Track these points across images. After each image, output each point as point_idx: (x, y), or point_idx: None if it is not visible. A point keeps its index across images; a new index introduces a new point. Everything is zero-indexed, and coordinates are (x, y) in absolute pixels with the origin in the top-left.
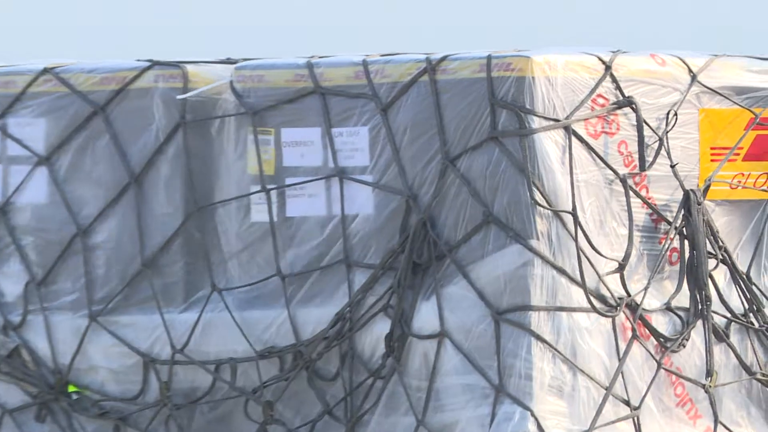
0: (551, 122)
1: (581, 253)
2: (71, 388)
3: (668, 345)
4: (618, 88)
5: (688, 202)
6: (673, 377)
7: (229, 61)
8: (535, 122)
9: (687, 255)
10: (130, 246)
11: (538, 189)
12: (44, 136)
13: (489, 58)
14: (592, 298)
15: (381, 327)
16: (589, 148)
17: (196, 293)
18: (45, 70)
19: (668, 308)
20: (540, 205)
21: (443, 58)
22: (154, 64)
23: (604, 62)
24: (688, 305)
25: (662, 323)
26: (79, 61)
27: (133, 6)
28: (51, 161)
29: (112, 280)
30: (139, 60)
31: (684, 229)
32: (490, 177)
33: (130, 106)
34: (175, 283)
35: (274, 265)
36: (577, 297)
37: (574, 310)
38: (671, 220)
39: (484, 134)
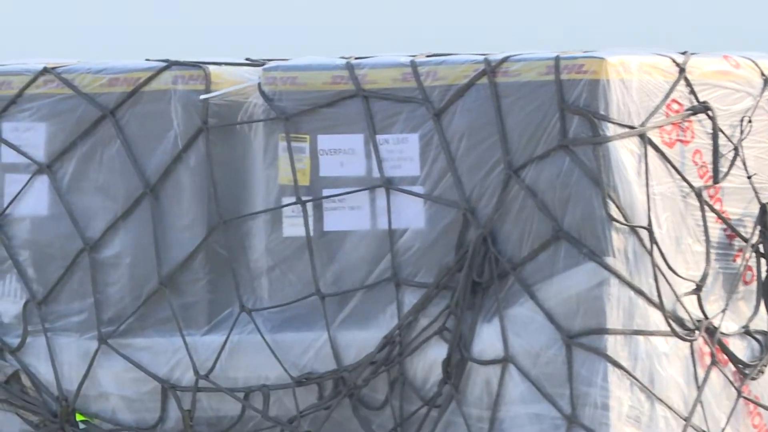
0: (626, 129)
1: (659, 273)
2: (79, 417)
3: (747, 371)
4: (692, 92)
5: (764, 216)
6: (751, 406)
7: (252, 63)
8: (610, 129)
9: (764, 274)
10: (145, 262)
11: (613, 202)
12: (45, 142)
13: (557, 59)
14: (671, 321)
15: (436, 351)
16: (665, 158)
17: (221, 314)
18: (45, 70)
19: (746, 332)
20: (616, 220)
21: (504, 60)
22: (171, 64)
23: (677, 64)
24: (765, 328)
25: (739, 348)
26: (80, 61)
27: (128, 5)
28: (53, 169)
29: (124, 299)
30: (151, 59)
31: (761, 245)
32: (560, 188)
33: (143, 110)
34: (197, 303)
35: (310, 284)
36: (655, 320)
37: (653, 333)
38: (746, 235)
39: (553, 142)
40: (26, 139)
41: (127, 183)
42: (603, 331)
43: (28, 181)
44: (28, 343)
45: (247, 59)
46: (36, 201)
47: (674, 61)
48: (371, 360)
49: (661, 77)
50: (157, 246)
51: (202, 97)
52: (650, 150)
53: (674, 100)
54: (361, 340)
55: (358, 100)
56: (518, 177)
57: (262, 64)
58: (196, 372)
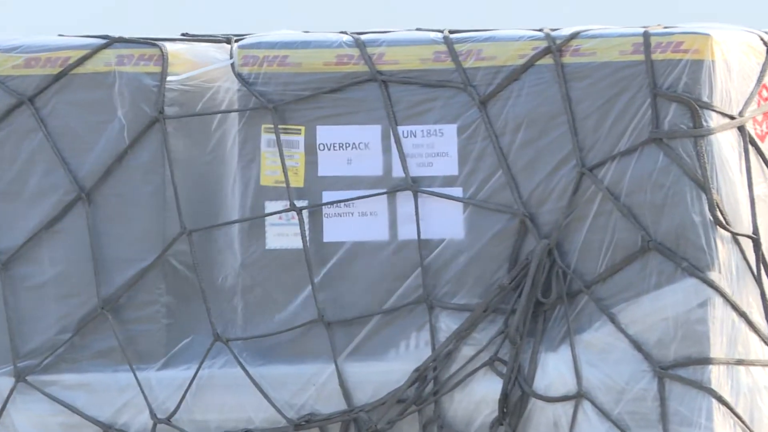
0: (728, 119)
1: (766, 291)
2: None
3: None
4: None
5: None
6: None
7: (215, 39)
8: (713, 119)
9: None
10: (78, 281)
11: (718, 206)
12: None
13: (647, 35)
14: None
15: (483, 387)
16: (760, 153)
17: (178, 343)
18: None
19: None
20: (724, 227)
21: (573, 36)
22: (113, 41)
23: (767, 44)
24: None
25: None
26: None
27: None
28: None
29: (48, 326)
30: (86, 36)
31: None
32: (652, 190)
33: (74, 98)
34: (150, 332)
35: (302, 306)
36: (755, 347)
37: (759, 364)
38: None
39: (642, 134)
40: None
41: (52, 185)
42: (706, 360)
43: None
44: None
45: (213, 36)
46: None
47: (763, 40)
48: (399, 397)
49: (754, 58)
50: (95, 261)
51: (171, 78)
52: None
53: (764, 86)
54: (378, 374)
55: (371, 85)
56: (595, 176)
57: (229, 41)
58: (153, 415)
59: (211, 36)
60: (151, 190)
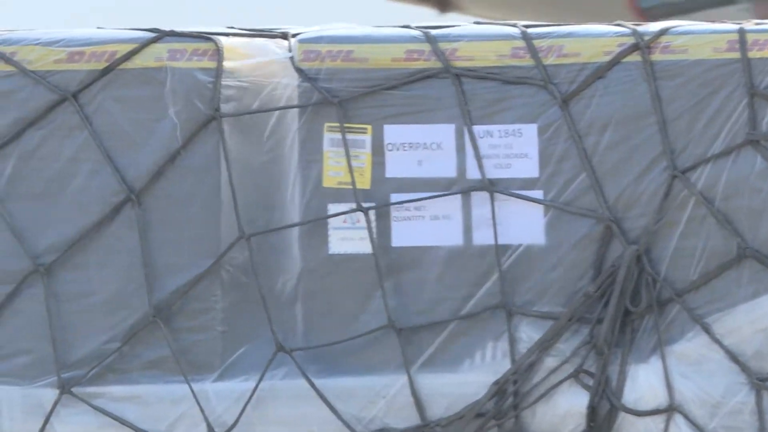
0: None
1: None
2: None
3: None
4: None
5: None
6: None
7: (270, 33)
8: None
9: None
10: (128, 287)
11: None
12: None
13: (742, 31)
14: None
15: (568, 400)
16: None
17: (233, 353)
18: None
19: None
20: None
21: (663, 32)
22: (165, 34)
23: None
24: None
25: None
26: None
27: None
28: None
29: (96, 335)
30: (134, 29)
31: None
32: (749, 195)
33: (122, 95)
34: (205, 341)
35: (370, 314)
36: None
37: None
38: None
39: (738, 136)
40: None
41: (98, 186)
42: None
43: None
44: None
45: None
46: None
47: None
48: (479, 411)
49: None
50: (146, 267)
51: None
52: None
53: None
54: (452, 386)
55: (442, 83)
56: (687, 180)
57: (285, 35)
58: (210, 428)
59: (265, 30)
60: (206, 192)
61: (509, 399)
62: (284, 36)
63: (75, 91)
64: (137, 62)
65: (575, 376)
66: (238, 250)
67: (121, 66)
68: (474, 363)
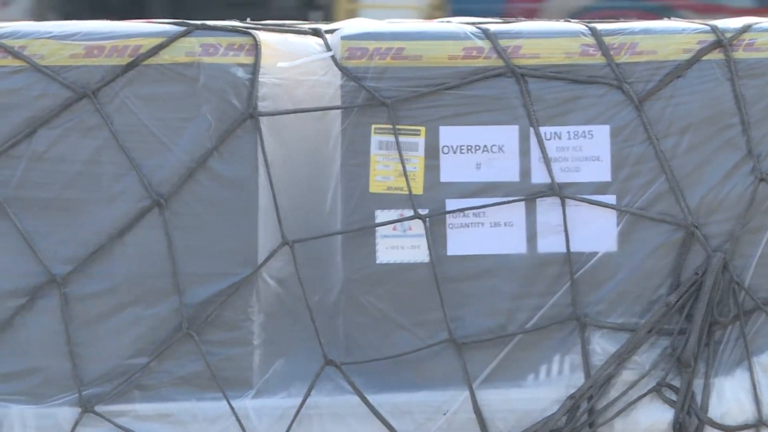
0: None
1: None
2: None
3: None
4: None
5: None
6: None
7: (295, 29)
8: None
9: None
10: (154, 298)
11: None
12: None
13: None
14: None
15: (648, 415)
16: None
17: (269, 367)
18: None
19: None
20: None
21: (745, 28)
22: (194, 28)
23: None
24: None
25: None
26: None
27: None
28: None
29: (120, 349)
30: (158, 22)
31: None
32: None
33: (147, 92)
34: (240, 355)
35: (422, 326)
36: None
37: None
38: None
39: None
40: None
41: (120, 191)
42: None
43: None
44: None
45: (294, 25)
46: None
47: None
48: (552, 427)
49: None
50: (176, 276)
51: (282, 65)
52: None
53: None
54: (519, 402)
55: (504, 81)
56: None
57: (317, 31)
58: None
59: (294, 25)
60: (241, 196)
61: (584, 415)
62: (316, 32)
63: (95, 87)
64: (165, 57)
65: (657, 390)
66: (274, 258)
67: (147, 62)
68: (541, 377)
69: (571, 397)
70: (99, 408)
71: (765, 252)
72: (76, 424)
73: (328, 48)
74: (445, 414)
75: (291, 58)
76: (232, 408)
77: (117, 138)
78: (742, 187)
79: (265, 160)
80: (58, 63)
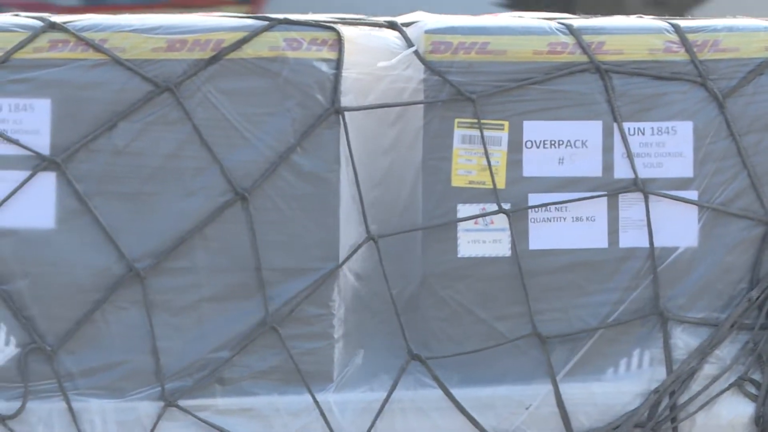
0: None
1: None
2: None
3: None
4: None
5: None
6: None
7: (370, 22)
8: None
9: None
10: (236, 292)
11: None
12: (50, 127)
13: None
14: None
15: (729, 409)
16: None
17: (348, 361)
18: (52, 26)
19: None
20: None
21: None
22: (278, 22)
23: None
24: None
25: None
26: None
27: None
28: (65, 165)
29: (202, 344)
30: (239, 16)
31: None
32: None
33: (230, 86)
34: (320, 349)
35: (506, 320)
36: None
37: None
38: None
39: None
40: (17, 121)
41: (202, 185)
42: None
43: (28, 179)
44: (30, 408)
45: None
46: (35, 209)
47: None
48: (636, 421)
49: None
50: (259, 271)
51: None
52: None
53: None
54: (601, 396)
55: (589, 77)
56: None
57: (393, 24)
58: None
59: (368, 18)
60: (323, 191)
61: (666, 409)
62: (392, 26)
63: (177, 81)
64: (248, 52)
65: (739, 384)
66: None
67: (229, 56)
68: (623, 372)
69: (656, 391)
70: (180, 402)
71: None
72: (159, 418)
73: (409, 42)
74: (528, 408)
75: (371, 52)
76: (316, 402)
77: (199, 132)
78: None
79: (351, 155)
80: (139, 56)
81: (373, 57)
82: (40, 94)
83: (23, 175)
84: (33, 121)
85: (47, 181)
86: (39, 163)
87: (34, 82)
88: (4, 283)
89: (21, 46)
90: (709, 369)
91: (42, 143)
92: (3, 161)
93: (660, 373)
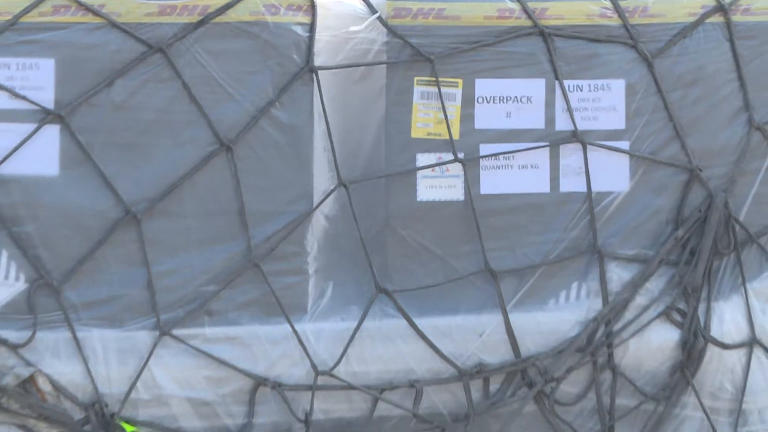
0: None
1: None
2: (128, 428)
3: None
4: None
5: None
6: None
7: None
8: None
9: None
10: (222, 233)
11: None
12: (54, 84)
13: None
14: None
15: (658, 335)
16: None
17: (322, 295)
18: None
19: None
20: None
21: None
22: None
23: None
24: None
25: None
26: None
27: None
28: (68, 118)
29: (192, 279)
30: None
31: None
32: None
33: (215, 47)
34: (297, 283)
35: (460, 257)
36: None
37: None
38: None
39: None
40: (24, 79)
41: (191, 136)
42: None
43: (34, 131)
44: (38, 337)
45: None
46: (41, 158)
47: None
48: (577, 346)
49: None
50: (243, 213)
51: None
52: None
53: None
54: (545, 324)
55: (533, 40)
56: (766, 131)
57: None
58: (314, 367)
59: None
60: (299, 142)
61: (604, 335)
62: None
63: (168, 43)
64: (232, 16)
65: (667, 313)
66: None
67: (215, 20)
68: (563, 302)
69: (594, 319)
70: (173, 332)
71: (758, 192)
72: (154, 346)
73: (372, 9)
74: (481, 335)
75: (340, 17)
76: (294, 330)
77: (188, 89)
78: (738, 136)
79: (324, 110)
80: (134, 20)
81: (342, 22)
82: (45, 54)
83: (30, 127)
84: (39, 79)
85: (52, 133)
86: (44, 116)
87: (40, 43)
88: (14, 225)
89: (27, 10)
90: (640, 300)
91: (47, 98)
92: (11, 115)
93: (597, 304)
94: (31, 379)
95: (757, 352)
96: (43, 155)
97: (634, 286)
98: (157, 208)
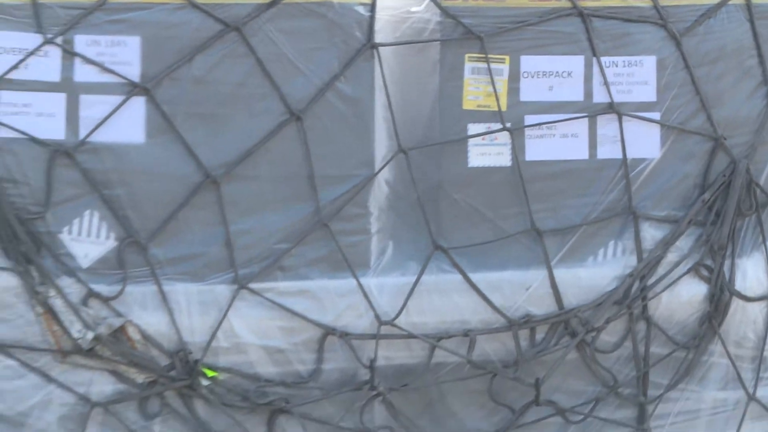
0: None
1: None
2: (210, 373)
3: None
4: None
5: None
6: None
7: None
8: None
9: None
10: (293, 195)
11: None
12: (140, 60)
13: None
14: None
15: (688, 289)
16: None
17: (384, 252)
18: None
19: None
20: None
21: None
22: None
23: None
24: None
25: None
26: None
27: None
28: (153, 91)
29: (267, 237)
30: None
31: None
32: None
33: (287, 26)
34: (360, 242)
35: (508, 218)
36: None
37: None
38: None
39: None
40: (113, 55)
41: (265, 107)
42: None
43: (123, 102)
44: (127, 291)
45: None
46: (128, 127)
47: None
48: (615, 299)
49: None
50: (312, 177)
51: (414, 9)
52: None
53: None
54: (585, 279)
55: (574, 19)
56: None
57: None
58: (377, 317)
59: None
60: (361, 112)
61: (639, 289)
62: None
63: (243, 22)
64: None
65: (695, 269)
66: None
67: (285, 1)
68: (601, 259)
69: (630, 275)
70: (250, 285)
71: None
72: (233, 298)
73: None
74: (528, 289)
75: None
76: (359, 284)
77: (262, 64)
78: (758, 107)
79: (384, 82)
80: (212, 1)
81: (400, 2)
82: (131, 32)
83: (118, 99)
84: (126, 55)
85: (138, 104)
86: (131, 89)
87: (127, 22)
88: (105, 188)
89: None
90: (671, 257)
91: (133, 73)
92: (102, 87)
93: (632, 261)
94: (122, 329)
95: None
96: (130, 125)
97: (665, 245)
98: (234, 173)
